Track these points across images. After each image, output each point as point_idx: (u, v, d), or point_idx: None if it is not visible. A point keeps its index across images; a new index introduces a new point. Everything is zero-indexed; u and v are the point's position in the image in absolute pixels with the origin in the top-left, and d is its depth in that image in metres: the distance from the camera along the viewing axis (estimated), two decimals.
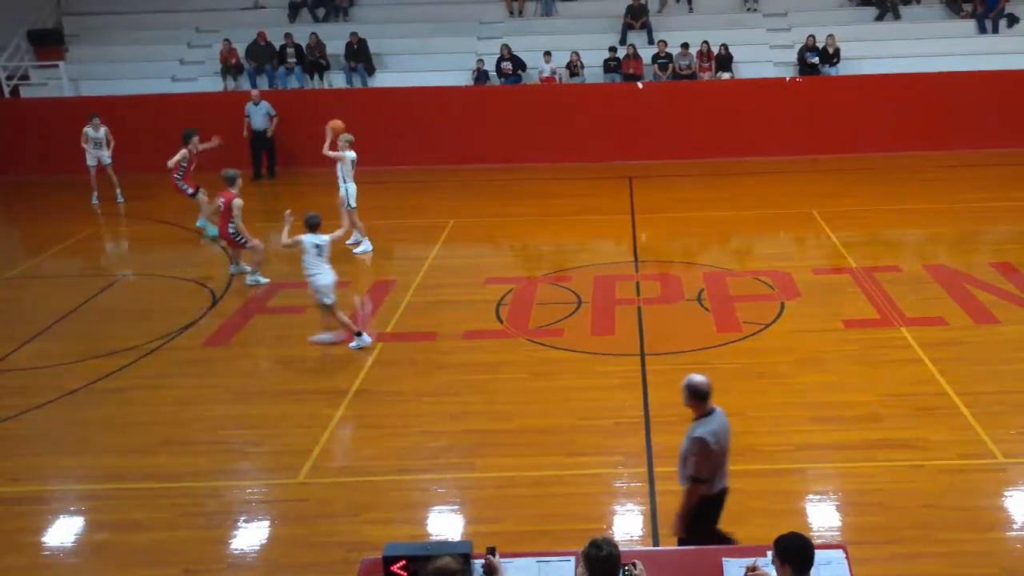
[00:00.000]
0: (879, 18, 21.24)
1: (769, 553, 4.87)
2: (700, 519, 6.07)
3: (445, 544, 6.33)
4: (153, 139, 18.41)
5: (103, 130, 17.67)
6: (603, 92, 19.91)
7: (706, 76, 20.26)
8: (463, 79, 20.38)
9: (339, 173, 14.36)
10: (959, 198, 16.27)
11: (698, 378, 5.97)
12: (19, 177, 18.42)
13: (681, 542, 6.10)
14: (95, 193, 17.71)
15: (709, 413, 5.95)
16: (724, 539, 6.10)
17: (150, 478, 8.18)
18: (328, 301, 10.54)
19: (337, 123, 14.71)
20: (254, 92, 19.37)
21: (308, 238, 10.55)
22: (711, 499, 6.05)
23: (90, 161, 17.67)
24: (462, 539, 7.01)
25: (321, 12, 22.14)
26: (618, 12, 21.47)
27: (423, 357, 10.45)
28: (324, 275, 10.57)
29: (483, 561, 5.00)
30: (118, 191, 17.79)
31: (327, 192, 14.72)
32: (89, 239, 15.62)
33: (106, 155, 17.67)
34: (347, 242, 14.64)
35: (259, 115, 19.17)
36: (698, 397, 5.94)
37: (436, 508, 7.74)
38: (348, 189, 14.35)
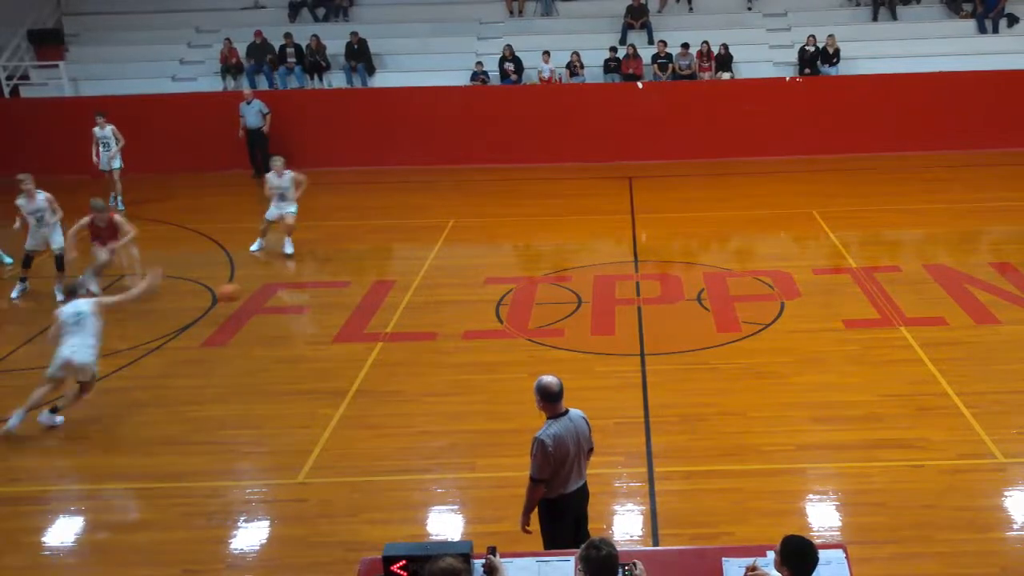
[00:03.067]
0: (874, 18, 21.23)
1: (769, 553, 4.87)
2: (551, 520, 6.03)
3: (445, 544, 6.33)
4: (153, 139, 18.46)
5: (109, 128, 17.25)
6: (603, 92, 19.91)
7: (706, 76, 20.26)
8: (463, 79, 20.37)
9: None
10: (959, 198, 16.27)
11: (548, 379, 5.84)
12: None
13: (546, 543, 6.03)
14: (119, 197, 17.33)
15: (559, 415, 5.84)
16: (580, 541, 6.02)
17: (150, 478, 8.18)
18: (84, 378, 9.00)
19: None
20: (246, 91, 19.19)
21: (68, 309, 8.96)
22: (558, 501, 5.97)
23: (102, 165, 17.32)
24: (462, 539, 7.01)
25: (321, 12, 22.14)
26: (618, 12, 21.46)
27: (423, 357, 10.45)
28: (87, 351, 8.92)
29: (483, 561, 5.00)
30: (119, 197, 17.38)
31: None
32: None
33: (116, 157, 17.27)
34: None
35: (252, 114, 18.97)
36: (548, 398, 5.81)
37: (436, 508, 7.74)
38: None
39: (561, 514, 6.06)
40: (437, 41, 21.28)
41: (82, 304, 9.03)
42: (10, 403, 9.61)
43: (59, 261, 12.58)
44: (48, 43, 21.58)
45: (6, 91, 20.77)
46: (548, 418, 5.89)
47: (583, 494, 6.14)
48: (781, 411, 8.94)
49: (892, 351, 10.15)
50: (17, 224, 12.64)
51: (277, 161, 14.33)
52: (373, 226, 15.90)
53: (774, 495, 7.60)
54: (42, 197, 12.54)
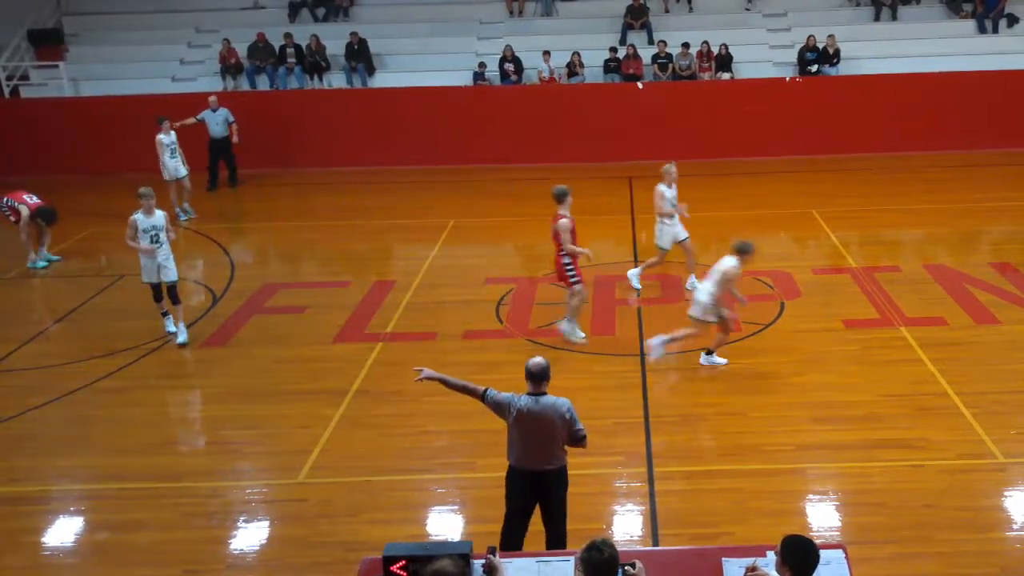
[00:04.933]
0: (876, 18, 21.24)
1: (769, 553, 4.87)
2: (506, 486, 6.40)
3: (445, 544, 6.33)
4: (153, 139, 18.37)
5: (174, 134, 16.24)
6: (603, 92, 19.91)
7: (706, 76, 20.26)
8: (463, 79, 20.38)
9: None
10: (959, 198, 16.27)
11: (533, 359, 6.22)
12: (19, 177, 18.43)
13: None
14: (182, 206, 16.48)
15: (535, 395, 6.15)
16: (513, 510, 6.35)
17: (150, 478, 8.19)
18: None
19: None
20: (211, 98, 18.10)
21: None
22: (511, 469, 6.33)
23: (168, 173, 16.17)
24: (462, 539, 7.01)
25: (321, 12, 22.15)
26: (618, 12, 21.47)
27: (423, 357, 10.43)
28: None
29: (483, 561, 5.00)
30: (186, 204, 16.59)
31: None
32: (89, 239, 15.62)
33: (183, 165, 16.29)
34: None
35: (217, 122, 17.96)
36: (527, 376, 6.17)
37: (436, 508, 7.75)
38: None
39: (512, 484, 6.32)
40: (437, 41, 21.29)
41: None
42: (10, 403, 9.64)
43: (172, 292, 11.06)
44: (48, 43, 21.59)
45: (6, 91, 20.77)
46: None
47: (544, 480, 6.25)
48: (781, 411, 8.94)
49: (892, 351, 10.16)
50: (142, 244, 10.78)
51: (671, 169, 11.72)
52: (373, 226, 15.90)
53: (774, 495, 7.60)
54: (161, 215, 10.95)
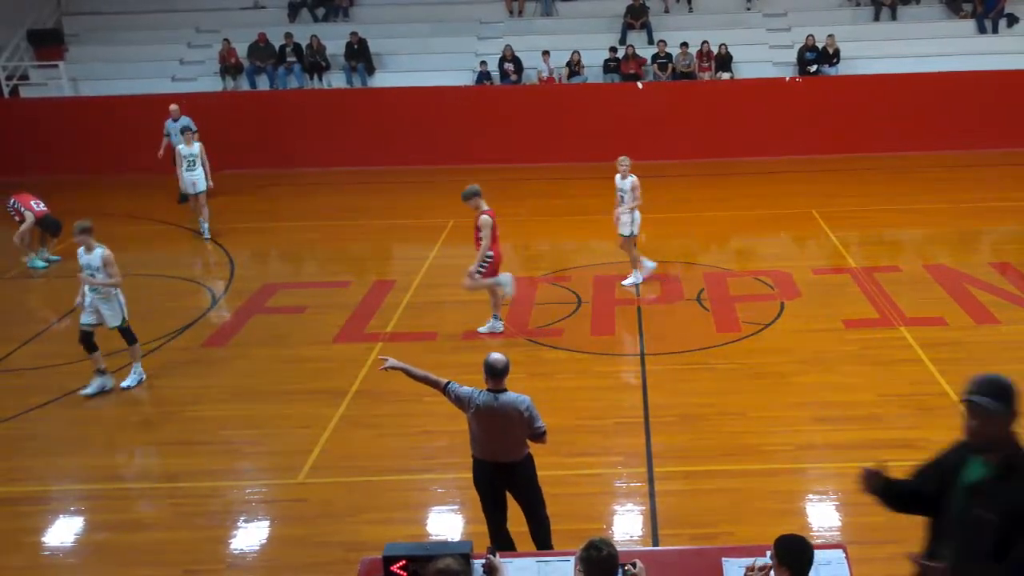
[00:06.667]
0: (876, 18, 21.25)
1: (768, 553, 4.87)
2: (473, 478, 6.43)
3: (445, 544, 6.33)
4: (153, 139, 18.40)
5: (197, 146, 15.20)
6: (603, 92, 19.92)
7: (706, 76, 20.26)
8: (463, 79, 20.39)
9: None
10: (959, 198, 16.27)
11: (491, 355, 6.16)
12: (19, 177, 18.49)
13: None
14: (204, 225, 15.33)
15: (494, 392, 6.13)
16: (483, 501, 6.45)
17: (150, 478, 8.20)
18: None
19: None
20: (173, 107, 17.03)
21: None
22: (474, 460, 6.36)
23: (186, 187, 15.27)
24: (462, 539, 7.01)
25: (321, 12, 22.16)
26: (618, 12, 21.49)
27: (423, 357, 10.43)
28: None
29: (483, 561, 5.00)
30: (205, 225, 15.35)
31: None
32: None
33: (202, 178, 15.16)
34: None
35: (177, 132, 16.62)
36: (488, 372, 6.12)
37: (436, 508, 7.75)
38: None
39: (477, 475, 6.37)
40: (437, 41, 21.30)
41: None
42: (10, 403, 9.64)
43: (87, 339, 9.64)
44: (48, 43, 21.59)
45: (6, 91, 20.78)
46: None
47: (508, 471, 6.29)
48: (781, 411, 8.94)
49: (892, 351, 10.15)
50: (78, 299, 9.92)
51: (624, 161, 12.00)
52: (373, 226, 15.91)
53: (774, 495, 7.60)
54: (99, 253, 9.57)
